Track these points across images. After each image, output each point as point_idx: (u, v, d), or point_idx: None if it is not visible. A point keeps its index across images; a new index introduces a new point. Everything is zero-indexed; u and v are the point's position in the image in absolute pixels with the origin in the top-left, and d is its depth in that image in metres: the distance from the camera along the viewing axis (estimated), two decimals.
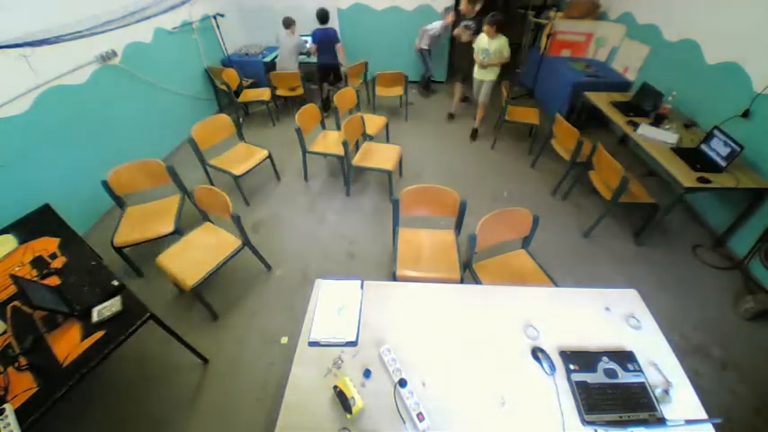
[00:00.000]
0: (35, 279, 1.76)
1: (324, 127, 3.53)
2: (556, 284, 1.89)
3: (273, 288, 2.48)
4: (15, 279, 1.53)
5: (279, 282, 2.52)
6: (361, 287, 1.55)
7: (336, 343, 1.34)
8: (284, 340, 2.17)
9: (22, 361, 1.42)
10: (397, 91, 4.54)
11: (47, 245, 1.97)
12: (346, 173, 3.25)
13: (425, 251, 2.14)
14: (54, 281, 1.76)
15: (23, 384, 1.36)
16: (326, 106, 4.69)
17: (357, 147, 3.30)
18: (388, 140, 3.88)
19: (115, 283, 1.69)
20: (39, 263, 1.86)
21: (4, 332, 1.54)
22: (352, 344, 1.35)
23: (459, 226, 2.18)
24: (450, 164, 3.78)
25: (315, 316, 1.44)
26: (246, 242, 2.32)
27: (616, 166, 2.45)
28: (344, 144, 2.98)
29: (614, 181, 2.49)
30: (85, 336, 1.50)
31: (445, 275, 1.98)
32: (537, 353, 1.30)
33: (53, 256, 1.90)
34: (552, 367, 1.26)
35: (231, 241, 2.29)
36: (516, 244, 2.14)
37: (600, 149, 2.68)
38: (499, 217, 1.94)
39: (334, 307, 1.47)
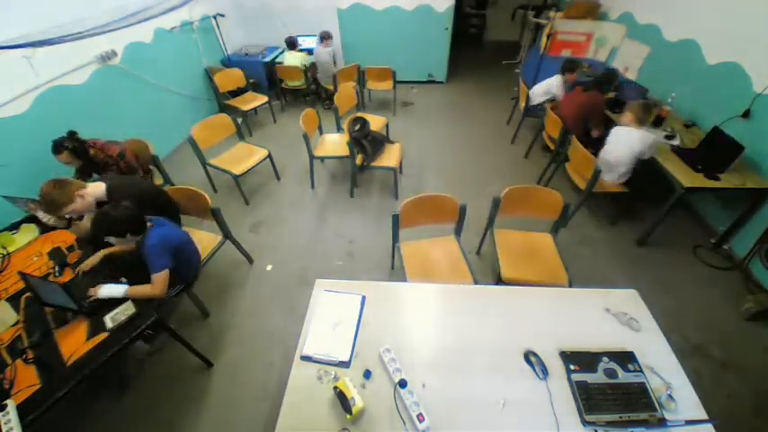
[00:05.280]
0: (51, 270, 1.79)
1: (321, 132, 3.53)
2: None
3: (273, 288, 2.48)
4: (23, 276, 1.54)
5: (279, 281, 2.52)
6: (362, 302, 1.48)
7: (329, 361, 1.29)
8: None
9: (29, 354, 1.43)
10: (387, 85, 4.60)
11: (66, 236, 2.00)
12: (352, 174, 3.24)
13: (433, 264, 2.06)
14: (68, 274, 1.78)
15: (28, 379, 1.36)
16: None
17: None
18: (387, 138, 3.88)
19: (123, 280, 1.69)
20: (56, 255, 1.89)
21: (17, 323, 1.55)
22: (345, 364, 1.28)
23: (459, 231, 2.16)
24: (447, 157, 3.79)
25: (310, 328, 1.39)
26: (228, 235, 2.33)
27: (588, 157, 2.55)
28: (349, 144, 2.98)
29: (587, 171, 2.59)
30: (91, 335, 1.50)
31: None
32: (530, 357, 1.30)
33: (70, 249, 1.93)
34: (545, 371, 1.25)
35: (211, 238, 2.31)
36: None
37: (573, 141, 2.74)
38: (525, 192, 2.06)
39: (330, 321, 1.41)
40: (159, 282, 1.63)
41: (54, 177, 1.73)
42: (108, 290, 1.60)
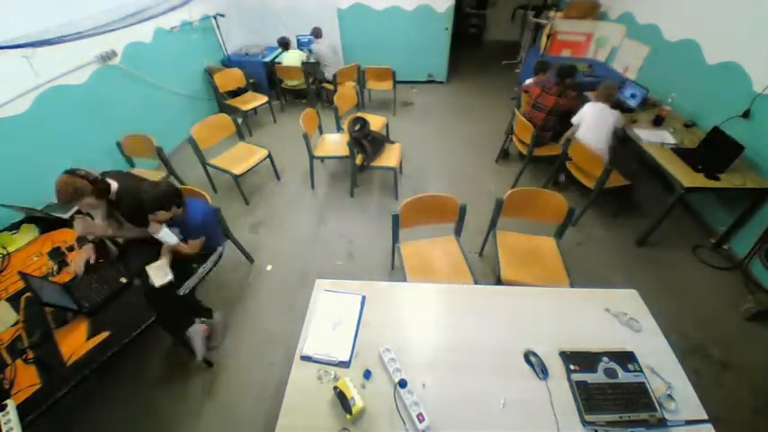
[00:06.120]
0: (53, 269, 1.80)
1: (321, 132, 3.53)
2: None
3: (273, 288, 2.48)
4: (24, 276, 1.53)
5: (279, 281, 2.52)
6: (362, 302, 1.48)
7: (329, 361, 1.29)
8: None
9: (30, 354, 1.43)
10: (387, 85, 4.63)
11: (66, 236, 2.00)
12: (352, 174, 3.24)
13: (433, 264, 2.05)
14: (68, 274, 1.78)
15: (28, 379, 1.36)
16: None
17: None
18: (387, 138, 3.89)
19: (123, 280, 1.69)
20: (56, 255, 1.89)
21: (17, 323, 1.55)
22: (345, 364, 1.28)
23: (459, 231, 2.16)
24: (447, 157, 3.80)
25: (310, 328, 1.39)
26: (228, 235, 2.34)
27: (596, 156, 2.54)
28: (349, 145, 2.98)
29: (595, 169, 2.57)
30: (91, 335, 1.50)
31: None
32: (530, 357, 1.30)
33: (70, 249, 1.93)
34: (545, 372, 1.25)
35: None
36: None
37: (574, 140, 2.74)
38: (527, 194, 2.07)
39: (330, 320, 1.41)
40: (197, 245, 1.93)
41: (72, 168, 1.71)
42: (166, 234, 1.81)
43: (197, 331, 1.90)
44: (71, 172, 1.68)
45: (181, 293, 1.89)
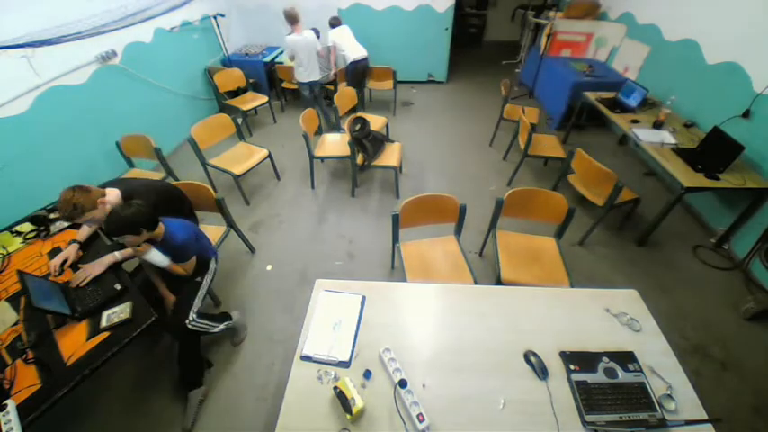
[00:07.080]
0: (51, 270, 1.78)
1: (321, 131, 3.53)
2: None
3: (273, 288, 2.48)
4: (21, 275, 1.53)
5: (279, 281, 2.52)
6: (362, 302, 1.49)
7: (329, 361, 1.29)
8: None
9: (30, 354, 1.42)
10: (387, 85, 4.63)
11: (67, 237, 1.99)
12: (353, 174, 3.25)
13: (433, 264, 2.04)
14: (68, 274, 1.77)
15: (28, 379, 1.36)
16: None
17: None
18: (387, 137, 3.88)
19: (117, 286, 1.68)
20: (56, 255, 1.85)
21: (17, 323, 1.55)
22: (345, 364, 1.29)
23: (459, 231, 2.16)
24: (448, 157, 3.80)
25: (310, 328, 1.39)
26: (232, 225, 2.37)
27: (607, 173, 2.34)
28: (350, 144, 2.98)
29: (603, 186, 2.44)
30: (91, 335, 1.50)
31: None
32: (530, 357, 1.29)
33: None
34: (545, 371, 1.25)
35: (213, 230, 2.35)
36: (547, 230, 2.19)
37: (579, 155, 2.57)
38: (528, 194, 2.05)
39: (331, 320, 1.41)
40: (189, 265, 1.80)
41: (75, 184, 1.63)
42: (156, 255, 1.64)
43: (197, 394, 1.83)
44: (76, 188, 1.62)
45: (189, 323, 1.77)
